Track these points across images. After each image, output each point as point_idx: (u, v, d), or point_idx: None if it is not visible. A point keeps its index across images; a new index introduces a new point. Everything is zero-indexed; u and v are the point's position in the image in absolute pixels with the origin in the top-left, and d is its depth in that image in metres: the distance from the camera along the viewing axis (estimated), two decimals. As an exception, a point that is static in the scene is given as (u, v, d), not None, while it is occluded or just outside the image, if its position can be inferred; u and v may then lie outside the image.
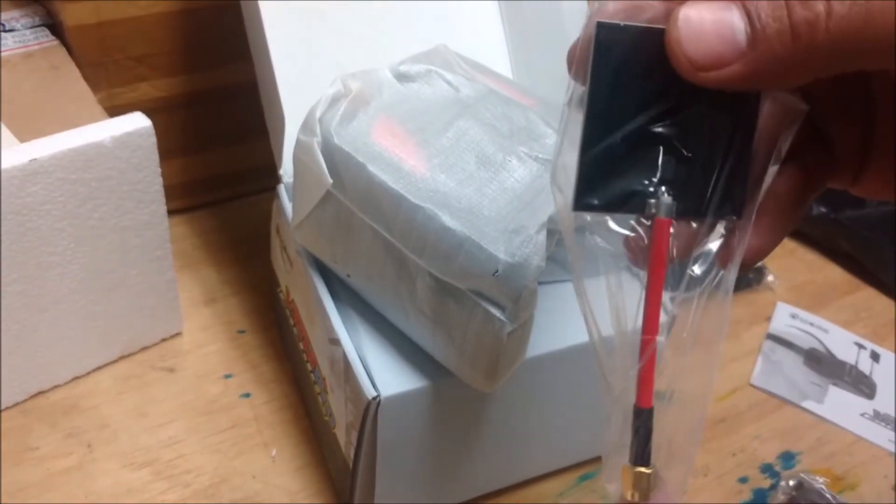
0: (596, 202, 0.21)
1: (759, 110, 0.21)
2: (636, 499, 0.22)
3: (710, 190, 0.21)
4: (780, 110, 0.22)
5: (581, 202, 0.21)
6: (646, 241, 0.22)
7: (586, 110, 0.20)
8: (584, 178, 0.21)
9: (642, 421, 0.22)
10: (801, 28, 0.17)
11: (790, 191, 0.24)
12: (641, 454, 0.22)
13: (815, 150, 0.24)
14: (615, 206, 0.21)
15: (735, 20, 0.18)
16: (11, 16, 0.45)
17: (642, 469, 0.22)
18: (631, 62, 0.20)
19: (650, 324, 0.22)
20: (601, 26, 0.20)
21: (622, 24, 0.20)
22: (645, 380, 0.22)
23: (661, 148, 0.21)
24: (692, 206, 0.22)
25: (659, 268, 0.22)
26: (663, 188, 0.21)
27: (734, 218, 0.22)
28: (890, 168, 0.24)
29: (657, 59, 0.20)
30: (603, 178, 0.21)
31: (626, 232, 0.22)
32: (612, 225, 0.22)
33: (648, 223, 0.22)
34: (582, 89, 0.21)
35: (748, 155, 0.22)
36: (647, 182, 0.21)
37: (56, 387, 0.43)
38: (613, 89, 0.20)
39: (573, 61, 0.21)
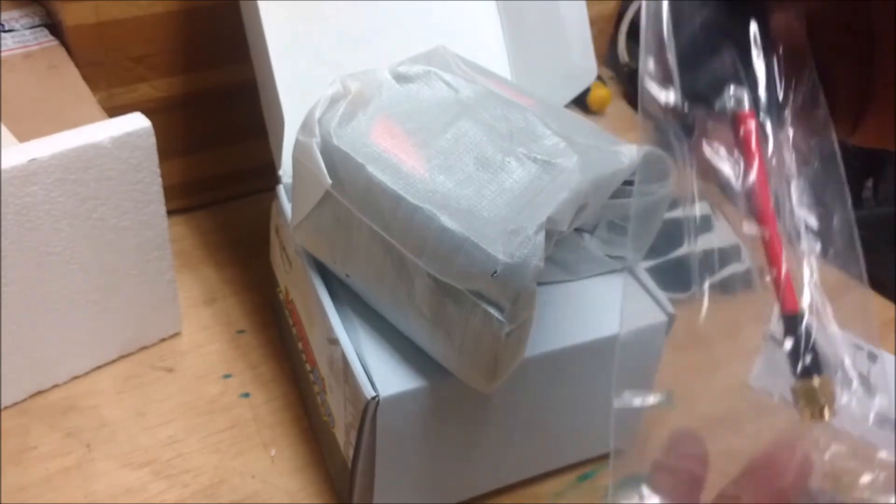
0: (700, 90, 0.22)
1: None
2: (819, 416, 0.20)
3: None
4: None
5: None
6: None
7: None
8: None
9: (797, 326, 0.19)
10: None
11: None
12: (812, 362, 0.19)
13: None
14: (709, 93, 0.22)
15: None
16: (11, 16, 0.45)
17: (816, 379, 0.20)
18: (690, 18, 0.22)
19: (766, 217, 0.20)
20: None
21: None
22: (784, 282, 0.20)
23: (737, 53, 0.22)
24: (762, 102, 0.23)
25: (759, 156, 0.21)
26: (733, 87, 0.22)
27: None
28: (888, 116, 0.25)
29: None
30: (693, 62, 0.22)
31: None
32: None
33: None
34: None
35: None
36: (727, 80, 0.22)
37: (55, 386, 0.43)
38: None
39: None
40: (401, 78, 0.35)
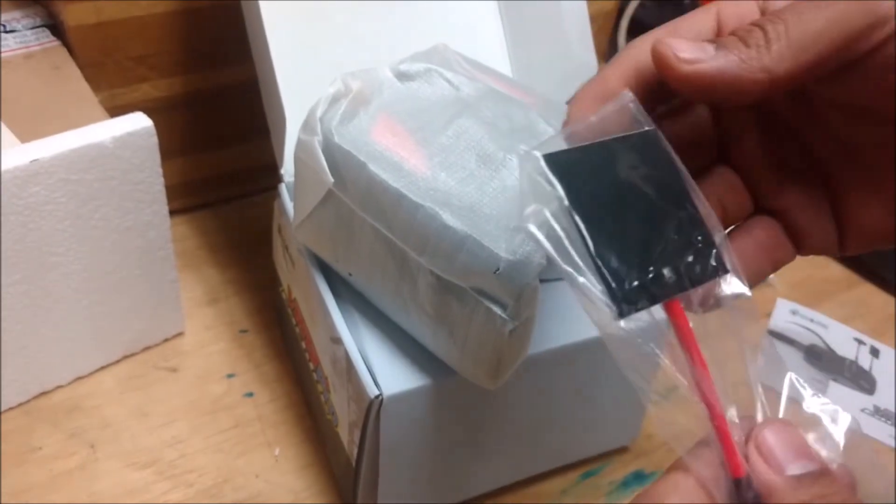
0: (636, 302, 0.22)
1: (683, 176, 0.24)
2: None
3: (689, 258, 0.23)
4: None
5: (623, 307, 0.21)
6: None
7: (584, 227, 0.21)
8: (611, 285, 0.21)
9: (745, 489, 0.22)
10: (749, 39, 0.23)
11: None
12: None
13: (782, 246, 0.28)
14: (652, 297, 0.22)
15: (704, 44, 0.23)
16: (12, 16, 0.45)
17: None
18: (582, 174, 0.22)
19: (713, 409, 0.22)
20: (548, 158, 0.22)
21: (564, 148, 0.22)
22: (728, 452, 0.22)
23: (643, 234, 0.22)
24: (692, 276, 0.23)
25: (696, 350, 0.22)
26: (666, 267, 0.22)
27: (727, 272, 0.23)
28: (871, 232, 0.27)
29: (599, 165, 0.22)
30: (625, 277, 0.22)
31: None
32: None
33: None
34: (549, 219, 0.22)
35: (697, 215, 0.23)
36: (655, 266, 0.22)
37: (59, 387, 0.43)
38: (584, 202, 0.22)
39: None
40: (402, 76, 0.35)
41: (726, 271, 0.23)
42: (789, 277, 0.54)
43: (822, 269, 0.56)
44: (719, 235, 0.24)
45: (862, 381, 0.48)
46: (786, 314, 0.51)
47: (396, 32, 0.44)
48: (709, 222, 0.24)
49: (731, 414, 0.22)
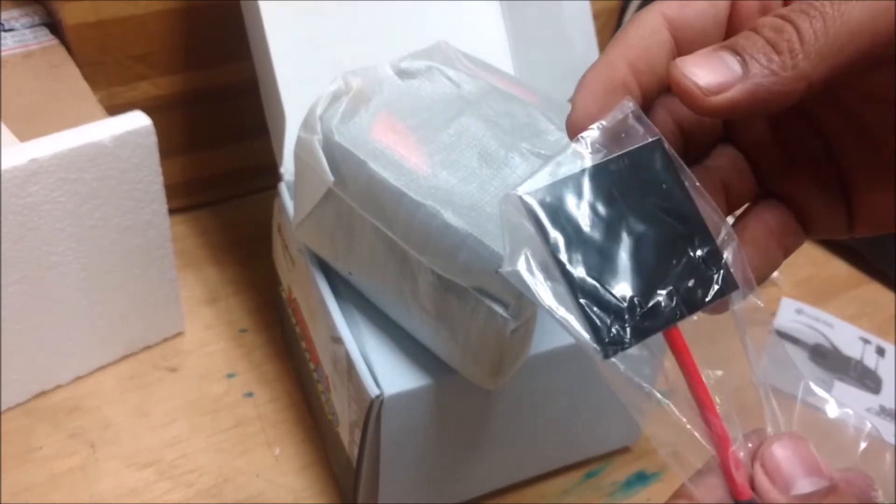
0: (623, 341, 0.21)
1: (687, 191, 0.23)
2: None
3: (691, 281, 0.22)
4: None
5: (609, 349, 0.21)
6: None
7: (566, 268, 0.21)
8: (595, 326, 0.21)
9: None
10: (781, 45, 0.21)
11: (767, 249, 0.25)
12: None
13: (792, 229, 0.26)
14: (640, 333, 0.21)
15: (726, 57, 0.21)
16: (11, 15, 0.45)
17: None
18: (568, 209, 0.21)
19: (718, 436, 0.22)
20: (531, 196, 0.21)
21: (542, 186, 0.21)
22: (729, 475, 0.21)
23: (638, 263, 0.21)
24: (692, 300, 0.22)
25: (696, 374, 0.22)
26: (660, 296, 0.21)
27: (736, 289, 0.23)
28: (881, 206, 0.25)
29: (591, 194, 0.21)
30: (610, 316, 0.21)
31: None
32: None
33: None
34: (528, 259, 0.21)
35: (704, 229, 0.23)
36: (647, 299, 0.21)
37: (58, 387, 0.43)
38: (569, 240, 0.21)
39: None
40: (403, 74, 0.34)
41: (736, 287, 0.22)
42: (794, 276, 0.54)
43: (827, 268, 0.55)
44: (730, 247, 0.23)
45: (867, 380, 0.48)
46: (791, 313, 0.51)
47: (397, 30, 0.44)
48: (717, 232, 0.23)
49: (736, 434, 0.22)
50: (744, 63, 0.21)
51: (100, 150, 0.37)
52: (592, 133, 0.22)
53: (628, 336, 0.21)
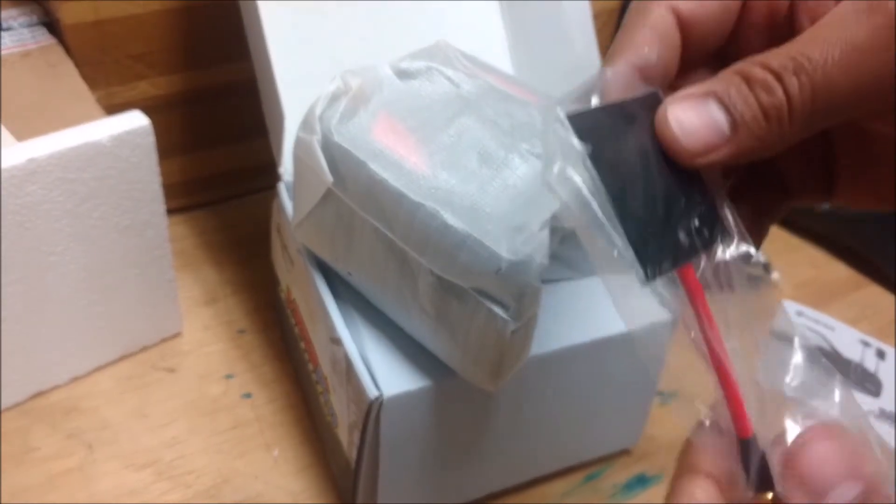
0: (662, 265, 0.22)
1: None
2: None
3: (697, 223, 0.23)
4: None
5: (650, 271, 0.22)
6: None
7: (608, 187, 0.21)
8: (639, 250, 0.21)
9: (750, 450, 0.21)
10: (770, 111, 0.21)
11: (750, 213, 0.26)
12: (765, 482, 0.21)
13: (768, 185, 0.26)
14: (676, 259, 0.22)
15: (714, 112, 0.21)
16: (9, 14, 0.45)
17: (770, 494, 0.21)
18: (613, 135, 0.22)
19: (722, 367, 0.22)
20: (572, 119, 0.21)
21: (588, 109, 0.22)
22: (736, 412, 0.22)
23: (661, 198, 0.22)
24: (701, 241, 0.23)
25: (705, 307, 0.22)
26: (681, 233, 0.22)
27: (732, 239, 0.23)
28: (860, 180, 0.26)
29: (631, 124, 0.22)
30: (648, 239, 0.22)
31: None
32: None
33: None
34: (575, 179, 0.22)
35: (701, 180, 0.23)
36: (672, 230, 0.22)
37: (56, 387, 0.42)
38: (612, 162, 0.22)
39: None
40: (402, 74, 0.34)
41: (731, 235, 0.23)
42: (795, 279, 0.54)
43: (828, 270, 0.55)
44: (720, 199, 0.23)
45: (867, 383, 0.48)
46: (791, 316, 0.51)
47: (396, 30, 0.44)
48: (711, 186, 0.23)
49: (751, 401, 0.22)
50: (733, 125, 0.21)
51: (98, 149, 0.37)
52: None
53: (664, 262, 0.22)
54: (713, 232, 0.23)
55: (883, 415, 0.46)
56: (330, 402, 0.37)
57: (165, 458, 0.40)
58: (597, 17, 0.44)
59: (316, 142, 0.32)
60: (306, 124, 0.33)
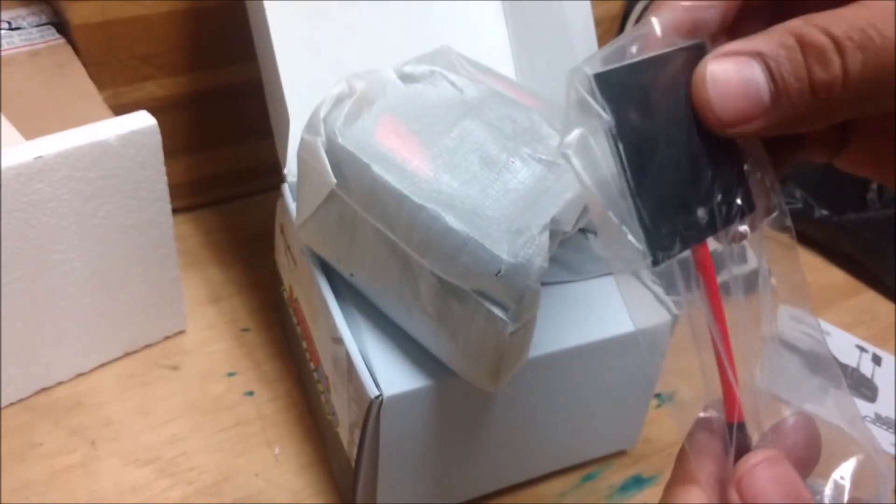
0: (673, 249, 0.20)
1: None
2: None
3: (720, 197, 0.21)
4: None
5: (659, 255, 0.20)
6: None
7: (627, 163, 0.19)
8: (648, 230, 0.20)
9: (737, 433, 0.22)
10: (820, 88, 0.18)
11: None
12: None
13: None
14: (685, 242, 0.21)
15: (758, 77, 0.19)
16: (17, 14, 0.45)
17: None
18: (643, 97, 0.20)
19: (721, 351, 0.22)
20: (599, 78, 0.19)
21: (620, 65, 0.20)
22: (728, 394, 0.21)
23: (684, 172, 0.20)
24: (720, 218, 0.21)
25: (713, 284, 0.21)
26: (699, 209, 0.21)
27: (752, 212, 0.22)
28: (870, 148, 0.24)
29: (666, 82, 0.20)
30: (662, 221, 0.20)
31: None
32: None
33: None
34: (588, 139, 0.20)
35: (735, 149, 0.22)
36: (689, 208, 0.21)
37: (60, 384, 0.43)
38: (637, 130, 0.20)
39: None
40: (406, 77, 0.35)
41: (752, 209, 0.22)
42: (792, 283, 0.54)
43: (825, 275, 0.55)
44: (758, 167, 0.21)
45: (863, 388, 0.48)
46: (787, 320, 0.51)
47: (400, 34, 0.44)
48: (748, 152, 0.22)
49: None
50: (775, 95, 0.19)
51: (105, 149, 0.37)
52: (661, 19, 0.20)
53: (674, 244, 0.20)
54: (734, 208, 0.21)
55: (879, 419, 0.46)
56: (331, 401, 0.38)
57: (167, 455, 0.41)
58: (598, 23, 0.45)
59: (320, 143, 0.32)
60: (311, 126, 0.33)
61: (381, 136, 0.32)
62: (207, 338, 0.46)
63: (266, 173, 0.45)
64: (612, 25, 0.64)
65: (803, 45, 0.18)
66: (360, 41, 0.43)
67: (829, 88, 0.18)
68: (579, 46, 0.44)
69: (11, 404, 0.42)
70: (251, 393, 0.44)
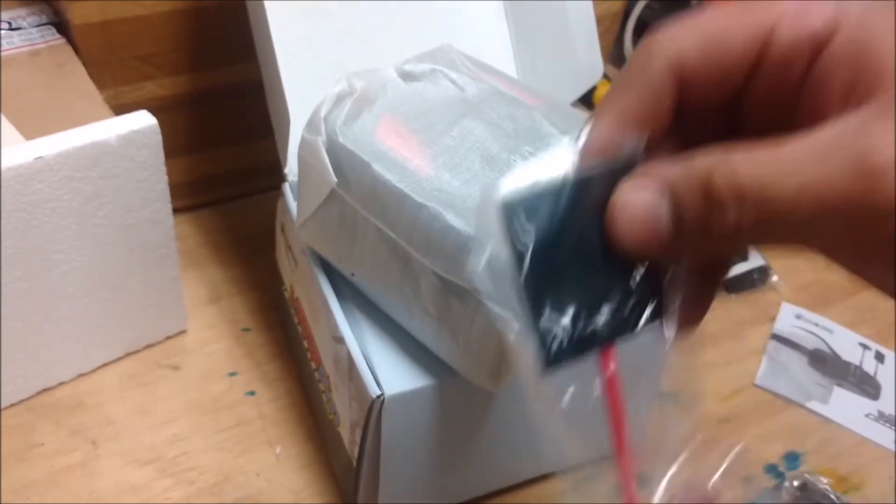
0: (565, 357, 0.22)
1: None
2: None
3: (631, 303, 0.22)
4: None
5: (551, 363, 0.21)
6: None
7: (524, 277, 0.21)
8: (542, 339, 0.21)
9: None
10: (718, 233, 0.19)
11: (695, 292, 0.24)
12: None
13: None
14: (581, 352, 0.22)
15: (661, 213, 0.20)
16: (18, 14, 0.45)
17: None
18: (540, 216, 0.21)
19: (623, 453, 0.23)
20: (508, 197, 0.20)
21: (522, 188, 0.21)
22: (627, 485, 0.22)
23: (589, 280, 0.21)
24: (625, 324, 0.22)
25: (617, 393, 0.23)
26: (602, 317, 0.22)
27: (660, 320, 0.23)
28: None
29: (563, 203, 0.21)
30: (556, 335, 0.21)
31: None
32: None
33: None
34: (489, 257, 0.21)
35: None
36: (591, 316, 0.22)
37: (61, 384, 0.43)
38: (543, 245, 0.21)
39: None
40: (406, 76, 0.34)
41: (660, 316, 0.23)
42: (795, 282, 0.54)
43: (827, 273, 0.55)
44: (669, 278, 0.22)
45: (866, 385, 0.48)
46: (790, 318, 0.51)
47: (401, 32, 0.44)
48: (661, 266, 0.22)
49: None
50: (675, 230, 0.20)
51: (105, 148, 0.37)
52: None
53: (569, 355, 0.21)
54: (641, 314, 0.22)
55: (882, 417, 0.46)
56: (332, 401, 0.38)
57: (168, 454, 0.41)
58: (600, 21, 0.45)
59: (321, 143, 0.32)
60: (311, 125, 0.33)
61: (382, 135, 0.32)
62: (208, 337, 0.46)
63: (266, 173, 0.45)
64: (613, 24, 0.64)
65: (707, 191, 0.19)
66: (360, 41, 0.43)
67: (727, 234, 0.19)
68: (580, 45, 0.44)
69: (12, 405, 0.42)
70: (252, 393, 0.44)
